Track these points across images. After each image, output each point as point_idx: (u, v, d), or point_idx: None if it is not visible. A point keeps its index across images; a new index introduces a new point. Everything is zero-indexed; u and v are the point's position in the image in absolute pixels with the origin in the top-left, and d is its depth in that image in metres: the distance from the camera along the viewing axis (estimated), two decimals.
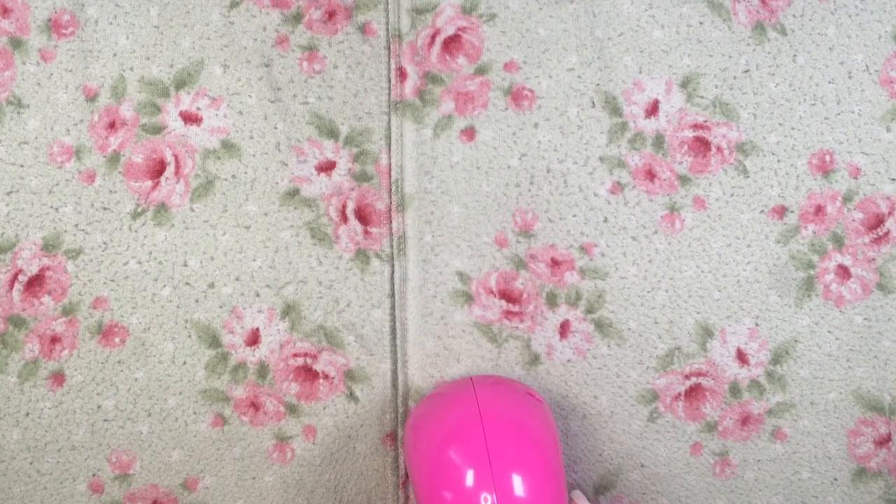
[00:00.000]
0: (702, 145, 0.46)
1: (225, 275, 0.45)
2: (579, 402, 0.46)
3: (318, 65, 0.45)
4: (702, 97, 0.46)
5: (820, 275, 0.47)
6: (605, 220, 0.46)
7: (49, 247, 0.44)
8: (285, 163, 0.45)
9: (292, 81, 0.45)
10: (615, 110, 0.46)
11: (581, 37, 0.46)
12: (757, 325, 0.47)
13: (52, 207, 0.44)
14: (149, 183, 0.45)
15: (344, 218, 0.46)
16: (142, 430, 0.45)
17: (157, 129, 0.45)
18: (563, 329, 0.46)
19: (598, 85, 0.46)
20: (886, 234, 0.46)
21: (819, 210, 0.46)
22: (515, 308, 0.46)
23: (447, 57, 0.46)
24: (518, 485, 0.38)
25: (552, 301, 0.46)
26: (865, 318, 0.47)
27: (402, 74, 0.46)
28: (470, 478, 0.38)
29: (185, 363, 0.45)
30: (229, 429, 0.46)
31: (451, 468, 0.39)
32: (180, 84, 0.44)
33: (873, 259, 0.46)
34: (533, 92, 0.46)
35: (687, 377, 0.47)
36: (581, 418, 0.46)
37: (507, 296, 0.46)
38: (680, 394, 0.47)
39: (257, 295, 0.45)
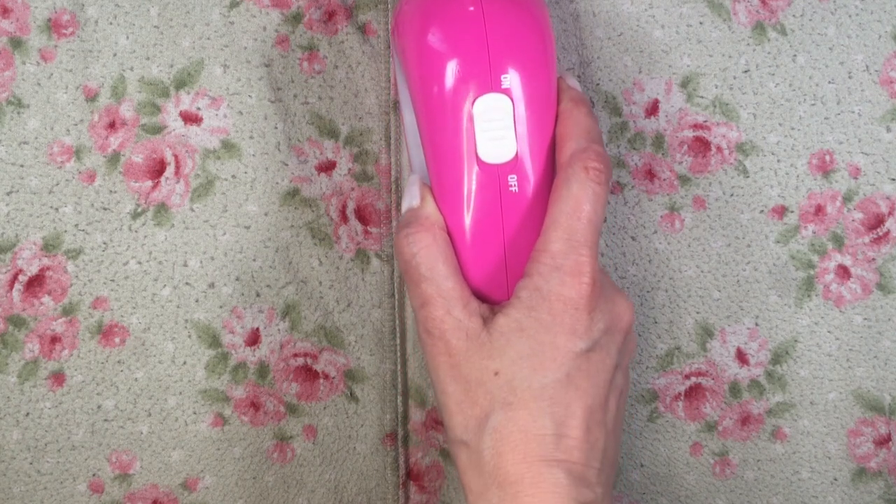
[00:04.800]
0: (702, 145, 0.46)
1: (225, 275, 0.45)
2: None
3: (318, 65, 0.45)
4: (702, 97, 0.46)
5: (820, 275, 0.47)
6: (605, 220, 0.46)
7: (49, 247, 0.44)
8: (285, 163, 0.45)
9: (292, 81, 0.45)
10: (615, 110, 0.46)
11: (581, 37, 0.46)
12: (757, 325, 0.47)
13: (52, 207, 0.44)
14: (149, 183, 0.45)
15: (344, 218, 0.46)
16: (142, 430, 0.45)
17: (157, 129, 0.45)
18: None
19: (598, 85, 0.46)
20: (886, 234, 0.46)
21: (819, 210, 0.46)
22: None
23: None
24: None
25: None
26: (865, 318, 0.47)
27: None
28: (463, 72, 0.37)
29: (185, 363, 0.45)
30: (229, 429, 0.46)
31: (445, 56, 0.37)
32: (180, 84, 0.44)
33: (873, 259, 0.46)
34: None
35: (687, 377, 0.47)
36: None
37: None
38: (680, 394, 0.47)
39: (257, 295, 0.45)
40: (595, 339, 0.36)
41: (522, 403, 0.35)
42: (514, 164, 0.37)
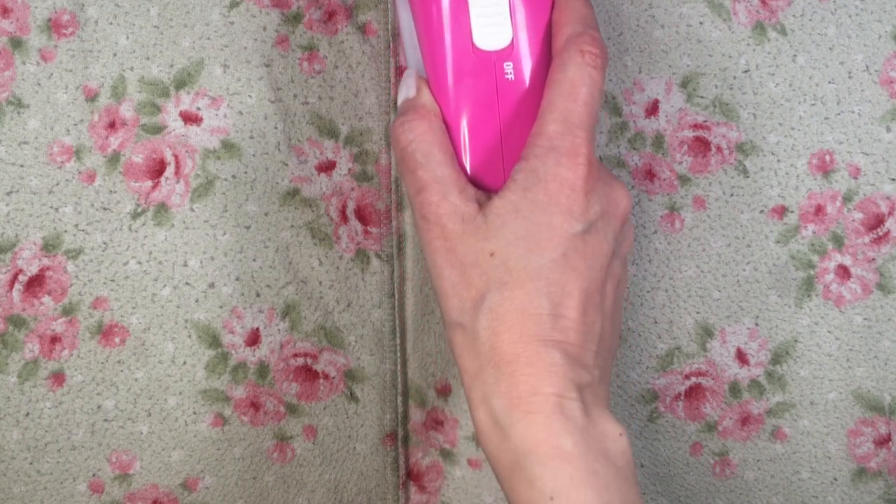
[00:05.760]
0: (702, 145, 0.46)
1: (225, 275, 0.45)
2: None
3: (318, 65, 0.45)
4: (702, 97, 0.46)
5: (820, 275, 0.47)
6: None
7: (49, 247, 0.44)
8: (285, 163, 0.45)
9: (292, 81, 0.45)
10: (615, 110, 0.46)
11: None
12: (757, 325, 0.47)
13: (52, 207, 0.44)
14: (149, 183, 0.45)
15: (344, 218, 0.46)
16: (142, 430, 0.45)
17: (157, 129, 0.45)
18: None
19: None
20: (886, 234, 0.46)
21: (819, 210, 0.46)
22: None
23: None
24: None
25: None
26: (865, 318, 0.47)
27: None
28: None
29: (185, 363, 0.45)
30: (229, 429, 0.46)
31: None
32: (180, 84, 0.44)
33: (873, 259, 0.46)
34: None
35: (687, 377, 0.47)
36: None
37: None
38: (680, 394, 0.47)
39: (257, 295, 0.45)
40: (591, 221, 0.36)
41: (518, 283, 0.35)
42: (510, 51, 0.37)
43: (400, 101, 0.39)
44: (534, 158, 0.36)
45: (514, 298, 0.35)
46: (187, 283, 0.45)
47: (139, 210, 0.45)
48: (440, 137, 0.37)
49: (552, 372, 0.34)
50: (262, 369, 0.46)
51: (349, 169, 0.46)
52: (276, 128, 0.45)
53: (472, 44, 0.37)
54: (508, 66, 0.38)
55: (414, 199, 0.37)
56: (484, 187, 0.38)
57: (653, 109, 0.46)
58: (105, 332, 0.45)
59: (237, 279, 0.45)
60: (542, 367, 0.34)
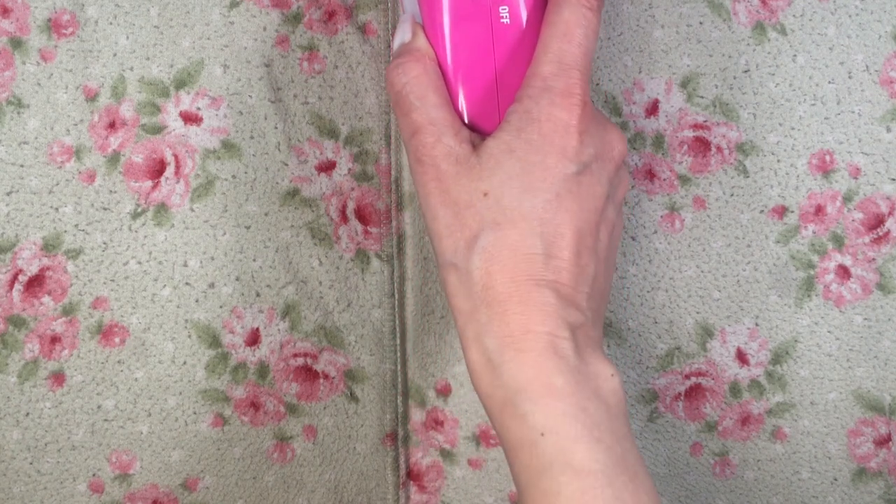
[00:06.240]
0: (702, 145, 0.46)
1: (225, 275, 0.45)
2: None
3: (318, 65, 0.45)
4: (702, 97, 0.46)
5: (820, 275, 0.47)
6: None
7: (49, 247, 0.44)
8: (285, 163, 0.45)
9: (292, 81, 0.45)
10: (615, 110, 0.46)
11: None
12: (757, 325, 0.47)
13: (52, 207, 0.44)
14: (149, 183, 0.45)
15: (344, 218, 0.46)
16: (142, 430, 0.45)
17: (157, 129, 0.45)
18: None
19: (598, 85, 0.46)
20: (886, 234, 0.46)
21: (819, 210, 0.46)
22: None
23: None
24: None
25: None
26: (865, 318, 0.47)
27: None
28: None
29: (185, 363, 0.45)
30: (229, 429, 0.46)
31: None
32: (180, 84, 0.44)
33: (873, 259, 0.46)
34: None
35: (687, 377, 0.47)
36: None
37: None
38: (680, 394, 0.47)
39: (257, 295, 0.45)
40: (585, 162, 0.36)
41: (511, 223, 0.35)
42: None
43: (395, 45, 0.39)
44: (528, 99, 0.36)
45: (507, 238, 0.35)
46: (187, 283, 0.45)
47: (139, 210, 0.45)
48: (435, 80, 0.37)
49: (544, 311, 0.34)
50: (262, 369, 0.46)
51: (349, 169, 0.46)
52: (276, 128, 0.45)
53: None
54: (504, 10, 0.38)
55: (408, 141, 0.37)
56: (479, 130, 0.38)
57: (653, 109, 0.46)
58: (105, 332, 0.45)
59: (237, 279, 0.45)
60: (534, 306, 0.34)
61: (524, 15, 0.38)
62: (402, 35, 0.39)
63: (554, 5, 0.37)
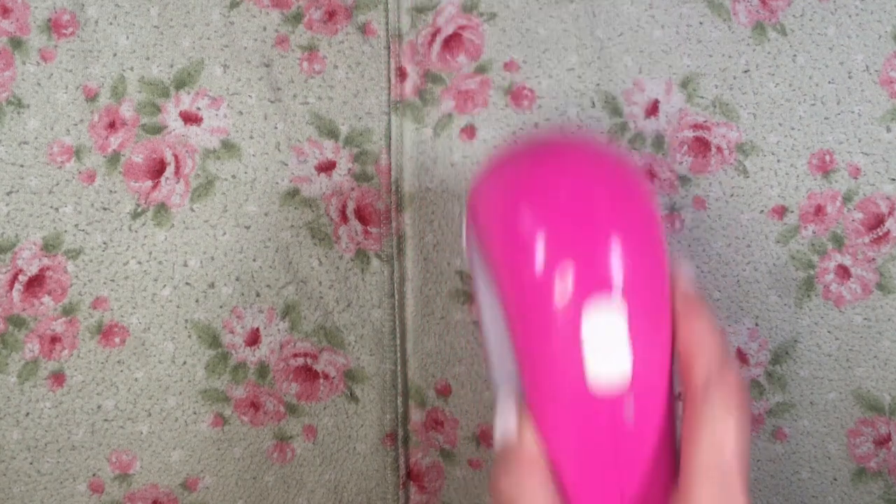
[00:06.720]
0: (702, 145, 0.46)
1: (225, 275, 0.45)
2: None
3: (318, 65, 0.45)
4: (702, 97, 0.46)
5: (820, 275, 0.47)
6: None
7: (49, 247, 0.44)
8: (285, 163, 0.45)
9: (292, 81, 0.45)
10: (615, 110, 0.46)
11: (581, 37, 0.46)
12: (757, 325, 0.47)
13: (52, 207, 0.44)
14: (149, 183, 0.45)
15: (344, 218, 0.46)
16: (142, 430, 0.45)
17: (157, 129, 0.45)
18: None
19: (598, 85, 0.46)
20: (886, 234, 0.46)
21: (819, 210, 0.46)
22: None
23: (447, 56, 0.46)
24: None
25: None
26: (865, 318, 0.47)
27: (402, 74, 0.46)
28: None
29: (185, 363, 0.45)
30: (229, 429, 0.46)
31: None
32: (180, 84, 0.44)
33: (873, 259, 0.46)
34: (533, 91, 0.46)
35: None
36: None
37: None
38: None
39: (257, 295, 0.45)
40: None
41: None
42: (629, 388, 0.30)
43: (497, 435, 0.32)
44: None
45: None
46: (187, 283, 0.45)
47: (139, 210, 0.45)
48: (548, 496, 0.31)
49: None
50: (262, 369, 0.46)
51: (349, 169, 0.46)
52: (275, 128, 0.45)
53: (586, 380, 0.30)
54: (628, 406, 0.30)
55: None
56: None
57: (653, 110, 0.46)
58: (105, 332, 0.45)
59: (237, 279, 0.45)
60: None
61: (652, 411, 0.31)
62: (506, 427, 0.32)
63: (701, 417, 0.31)
